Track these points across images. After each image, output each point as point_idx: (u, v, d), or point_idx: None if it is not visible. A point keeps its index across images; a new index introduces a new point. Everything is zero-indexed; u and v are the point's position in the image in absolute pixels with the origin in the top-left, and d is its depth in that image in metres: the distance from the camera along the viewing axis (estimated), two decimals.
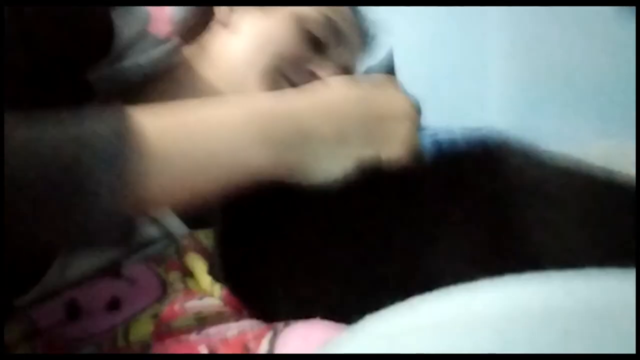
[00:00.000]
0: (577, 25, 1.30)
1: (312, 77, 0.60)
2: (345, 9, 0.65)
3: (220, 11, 0.64)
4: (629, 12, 1.16)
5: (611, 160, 0.34)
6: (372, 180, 0.37)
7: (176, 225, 0.57)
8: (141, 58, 0.57)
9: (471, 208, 0.31)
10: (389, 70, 0.54)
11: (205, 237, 0.54)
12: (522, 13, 1.46)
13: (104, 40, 0.53)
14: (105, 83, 0.54)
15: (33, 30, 0.45)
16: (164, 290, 0.46)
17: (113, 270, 0.47)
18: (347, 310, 0.30)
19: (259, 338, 0.30)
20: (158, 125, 0.31)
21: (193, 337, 0.34)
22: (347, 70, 0.66)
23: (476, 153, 0.35)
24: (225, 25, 0.63)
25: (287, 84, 0.60)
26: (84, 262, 0.50)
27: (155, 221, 0.55)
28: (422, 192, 0.34)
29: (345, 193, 0.37)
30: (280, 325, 0.30)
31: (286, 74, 0.60)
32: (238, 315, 0.38)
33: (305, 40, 0.60)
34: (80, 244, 0.32)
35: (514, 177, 0.31)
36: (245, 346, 0.30)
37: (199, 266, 0.47)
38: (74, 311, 0.42)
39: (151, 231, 0.55)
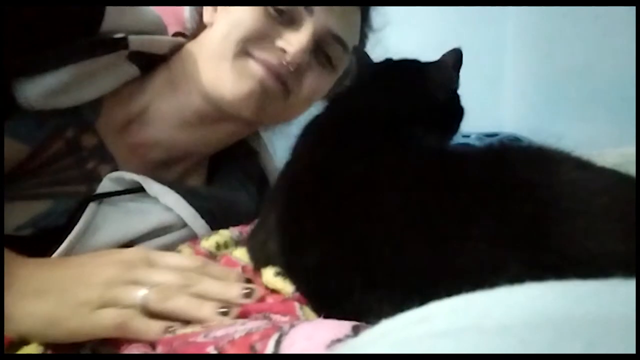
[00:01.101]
0: (596, 26, 1.28)
1: (282, 52, 0.60)
2: None
3: (207, 13, 0.65)
4: None
5: (628, 168, 0.34)
6: (408, 169, 0.37)
7: (199, 225, 0.57)
8: (132, 37, 0.58)
9: (511, 201, 0.31)
10: (456, 64, 0.54)
11: (222, 238, 0.54)
12: (539, 14, 1.45)
13: (92, 17, 0.55)
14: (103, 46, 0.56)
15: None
16: None
17: None
18: (378, 303, 0.30)
19: (265, 338, 0.29)
20: None
21: (201, 338, 0.34)
22: (331, 34, 0.63)
23: (522, 151, 0.36)
24: (209, 25, 0.64)
25: (256, 64, 0.59)
26: (96, 240, 0.52)
27: (167, 210, 0.56)
28: (462, 182, 0.34)
29: (379, 181, 0.37)
30: (286, 325, 0.30)
31: (254, 54, 0.59)
32: (244, 317, 0.37)
33: (272, 16, 0.59)
34: None
35: (558, 178, 0.32)
36: (252, 347, 0.30)
37: None
38: None
39: (166, 218, 0.56)
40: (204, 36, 0.65)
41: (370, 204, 0.36)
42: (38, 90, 0.52)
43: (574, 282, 0.21)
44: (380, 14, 0.74)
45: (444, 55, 0.54)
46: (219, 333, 0.32)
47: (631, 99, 1.21)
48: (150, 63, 0.64)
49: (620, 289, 0.20)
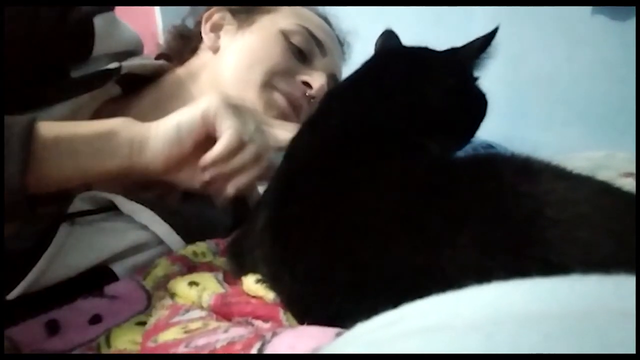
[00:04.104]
0: (563, 35, 1.33)
1: (306, 86, 0.62)
2: (318, 21, 0.67)
3: (209, 38, 0.66)
4: (618, 21, 1.19)
5: (596, 171, 0.35)
6: (399, 176, 0.38)
7: (175, 241, 0.57)
8: (124, 63, 0.59)
9: (497, 209, 0.32)
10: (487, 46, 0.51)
11: (199, 248, 0.54)
12: (507, 23, 1.49)
13: (83, 45, 0.54)
14: (89, 81, 0.56)
15: (16, 33, 0.49)
16: (149, 301, 0.46)
17: (96, 290, 0.47)
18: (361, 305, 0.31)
19: (247, 348, 0.30)
20: (54, 130, 0.45)
21: (182, 349, 0.33)
22: (334, 78, 0.68)
23: (508, 160, 0.37)
24: (214, 50, 0.65)
25: (281, 96, 0.61)
26: (70, 260, 0.50)
27: (142, 228, 0.55)
28: (450, 190, 0.35)
29: (369, 187, 0.37)
30: (268, 334, 0.30)
31: (278, 86, 0.61)
32: (226, 325, 0.37)
33: (292, 53, 0.62)
34: None
35: (541, 187, 0.32)
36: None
37: (183, 284, 0.47)
38: (54, 328, 0.42)
39: (141, 236, 0.55)
40: (208, 61, 0.66)
41: (359, 209, 0.36)
42: None
43: (537, 279, 0.22)
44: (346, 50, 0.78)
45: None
46: (201, 342, 0.32)
47: (597, 104, 1.26)
48: (132, 82, 0.64)
49: (578, 284, 0.21)
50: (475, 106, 0.52)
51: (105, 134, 0.47)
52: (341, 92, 0.53)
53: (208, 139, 0.50)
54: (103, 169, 0.47)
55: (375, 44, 0.59)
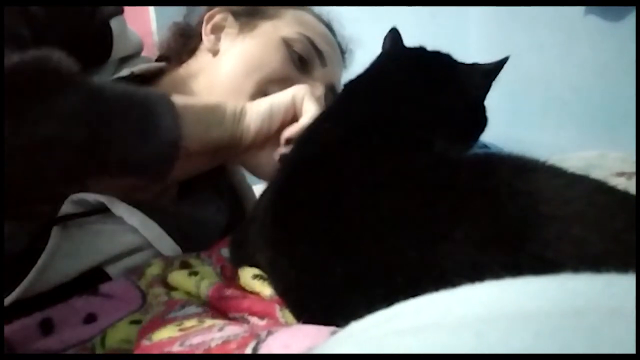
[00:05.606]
0: (556, 36, 1.34)
1: None
2: (321, 29, 0.67)
3: (209, 40, 0.65)
4: (612, 23, 1.20)
5: (589, 171, 0.36)
6: (402, 172, 0.38)
7: (166, 245, 0.56)
8: (129, 69, 0.59)
9: (494, 206, 0.32)
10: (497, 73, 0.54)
11: (194, 259, 0.54)
12: (501, 24, 1.50)
13: (104, 48, 0.55)
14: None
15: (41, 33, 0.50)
16: (144, 300, 0.46)
17: (90, 289, 0.46)
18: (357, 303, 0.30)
19: (242, 347, 0.30)
20: (180, 101, 0.51)
21: (176, 348, 0.33)
22: (332, 88, 0.68)
23: (505, 159, 0.37)
24: (213, 52, 0.65)
25: None
26: (65, 265, 0.49)
27: (135, 231, 0.55)
28: (450, 187, 0.35)
29: (373, 181, 0.37)
30: (263, 332, 0.30)
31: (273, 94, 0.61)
32: (221, 319, 0.37)
33: (293, 61, 0.62)
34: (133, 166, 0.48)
35: (537, 185, 0.33)
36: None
37: (183, 273, 0.47)
38: (48, 327, 0.41)
39: (135, 239, 0.55)
40: (206, 64, 0.65)
41: (359, 201, 0.36)
42: None
43: (528, 278, 0.22)
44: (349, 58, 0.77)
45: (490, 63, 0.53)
46: (195, 341, 0.32)
47: (590, 105, 1.27)
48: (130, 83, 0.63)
49: (569, 282, 0.21)
50: (482, 119, 0.55)
51: (217, 106, 0.55)
52: (359, 86, 0.53)
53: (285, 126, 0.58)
54: (214, 136, 0.54)
55: (384, 42, 0.59)
